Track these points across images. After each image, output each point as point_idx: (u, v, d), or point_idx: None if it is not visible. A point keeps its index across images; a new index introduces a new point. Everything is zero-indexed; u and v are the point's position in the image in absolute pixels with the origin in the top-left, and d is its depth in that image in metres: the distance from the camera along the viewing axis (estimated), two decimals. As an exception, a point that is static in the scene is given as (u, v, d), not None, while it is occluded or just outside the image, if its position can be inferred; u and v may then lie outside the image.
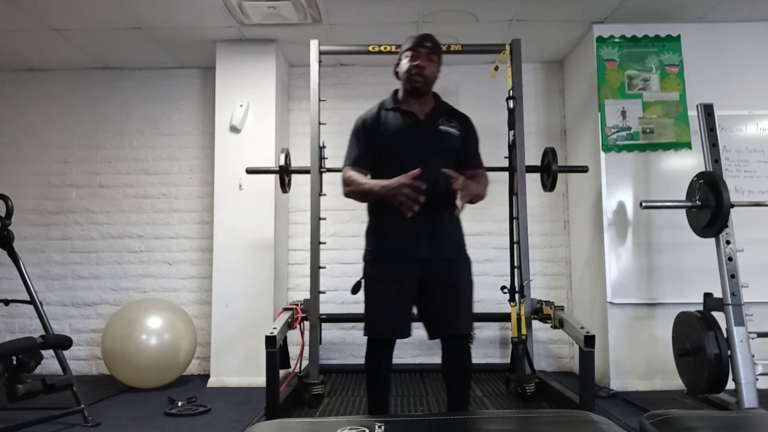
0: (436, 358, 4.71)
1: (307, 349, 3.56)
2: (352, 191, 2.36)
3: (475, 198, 2.31)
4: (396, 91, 2.49)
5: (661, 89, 3.86)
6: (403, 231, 2.28)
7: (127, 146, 4.60)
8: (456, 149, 2.41)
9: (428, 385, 3.86)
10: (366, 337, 2.46)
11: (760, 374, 3.00)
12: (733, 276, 3.11)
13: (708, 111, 3.34)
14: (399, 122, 2.39)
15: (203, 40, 4.14)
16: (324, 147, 3.67)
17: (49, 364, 3.81)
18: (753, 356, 2.99)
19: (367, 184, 2.32)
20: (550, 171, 3.66)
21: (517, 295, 3.54)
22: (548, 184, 3.72)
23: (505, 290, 3.59)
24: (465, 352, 2.41)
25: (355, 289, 2.42)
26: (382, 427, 1.24)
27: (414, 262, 2.29)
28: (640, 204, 3.35)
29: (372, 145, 2.38)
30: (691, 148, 3.79)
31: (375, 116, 2.44)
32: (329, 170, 3.71)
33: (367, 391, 2.54)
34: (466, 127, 2.47)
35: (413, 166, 2.17)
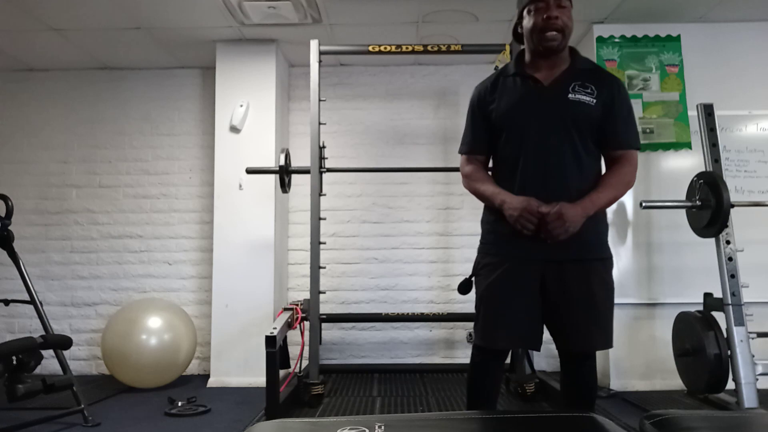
0: (437, 358, 4.71)
1: (307, 349, 3.56)
2: (471, 190, 2.06)
3: (606, 205, 1.93)
4: (521, 52, 2.04)
5: (661, 89, 3.86)
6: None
7: (127, 146, 4.60)
8: (592, 122, 1.92)
9: (428, 385, 3.86)
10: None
11: (760, 374, 3.00)
12: (733, 276, 3.11)
13: (708, 111, 3.34)
14: (518, 92, 1.96)
15: (203, 40, 4.14)
16: (324, 147, 3.67)
17: (49, 364, 3.80)
18: (753, 356, 2.99)
19: (485, 189, 2.00)
20: (550, 171, 3.65)
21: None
22: (548, 184, 3.71)
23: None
24: (591, 370, 2.03)
25: (464, 288, 2.08)
26: (382, 427, 1.24)
27: (535, 264, 1.93)
28: (640, 204, 3.34)
29: (485, 124, 2.02)
30: (691, 148, 3.79)
31: (490, 87, 2.03)
32: (329, 170, 3.71)
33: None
34: (610, 90, 1.95)
35: (531, 149, 1.89)
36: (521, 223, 1.85)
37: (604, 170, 2.04)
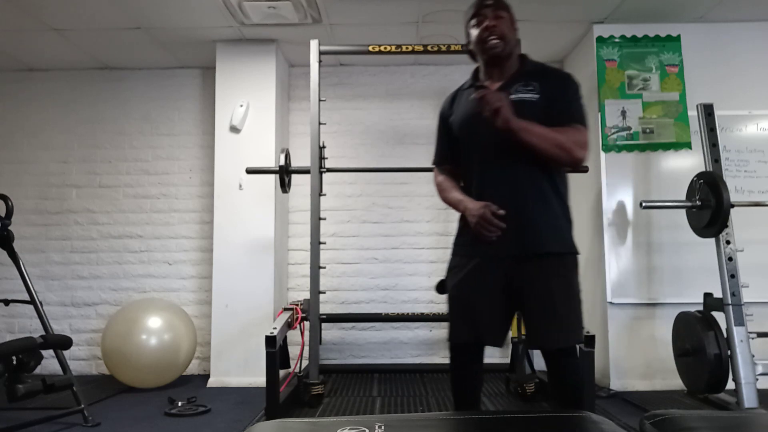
0: (437, 358, 4.71)
1: (307, 349, 3.56)
2: (443, 199, 2.15)
3: (538, 138, 1.89)
4: (478, 67, 2.15)
5: (661, 89, 3.86)
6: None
7: (127, 146, 4.60)
8: (538, 117, 1.93)
9: (428, 385, 3.86)
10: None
11: (760, 374, 3.00)
12: (733, 276, 3.11)
13: (708, 111, 3.34)
14: (470, 103, 2.03)
15: (203, 40, 4.14)
16: (324, 147, 3.67)
17: (49, 364, 3.80)
18: (753, 356, 2.99)
19: (453, 197, 2.09)
20: (550, 171, 3.65)
21: (517, 295, 3.53)
22: (548, 184, 3.71)
23: (506, 290, 3.58)
24: (571, 368, 1.99)
25: (440, 288, 2.13)
26: (382, 427, 1.24)
27: (499, 262, 1.96)
28: (640, 204, 3.35)
29: (449, 136, 2.14)
30: (691, 148, 3.79)
31: (450, 100, 2.17)
32: (329, 170, 3.71)
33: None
34: (555, 85, 2.01)
35: (481, 154, 1.98)
36: (479, 229, 1.93)
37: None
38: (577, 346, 2.02)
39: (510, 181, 1.96)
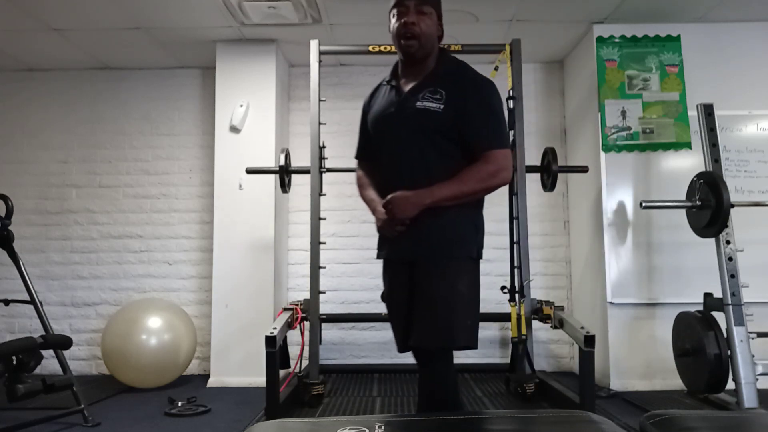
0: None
1: (307, 349, 3.56)
2: (360, 195, 2.13)
3: (449, 198, 1.87)
4: (397, 63, 2.06)
5: (661, 89, 3.86)
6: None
7: (127, 146, 4.60)
8: (441, 128, 1.89)
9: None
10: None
11: (760, 374, 3.00)
12: (733, 276, 3.11)
13: (708, 111, 3.34)
14: (385, 101, 2.01)
15: (203, 40, 4.14)
16: (324, 147, 3.67)
17: (49, 364, 3.81)
18: (753, 356, 2.99)
19: (366, 195, 2.08)
20: (550, 171, 3.66)
21: (517, 295, 3.54)
22: (548, 184, 3.72)
23: (505, 290, 3.59)
24: (428, 372, 1.94)
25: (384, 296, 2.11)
26: (382, 427, 1.24)
27: (403, 266, 1.97)
28: (640, 204, 3.35)
29: (367, 131, 2.11)
30: (691, 148, 3.79)
31: (370, 95, 2.15)
32: (329, 170, 3.71)
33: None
34: (462, 94, 1.90)
35: (389, 157, 1.96)
36: (381, 232, 1.98)
37: None
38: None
39: (408, 187, 1.89)
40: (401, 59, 2.01)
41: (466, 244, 1.94)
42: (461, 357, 4.37)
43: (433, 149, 1.89)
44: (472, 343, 1.91)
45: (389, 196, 1.88)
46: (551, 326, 3.43)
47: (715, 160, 3.27)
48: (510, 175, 1.94)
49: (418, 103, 1.90)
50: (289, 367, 3.49)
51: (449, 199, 1.87)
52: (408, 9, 1.91)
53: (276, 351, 2.91)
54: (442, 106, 1.88)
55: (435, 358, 1.90)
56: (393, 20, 1.95)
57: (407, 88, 1.96)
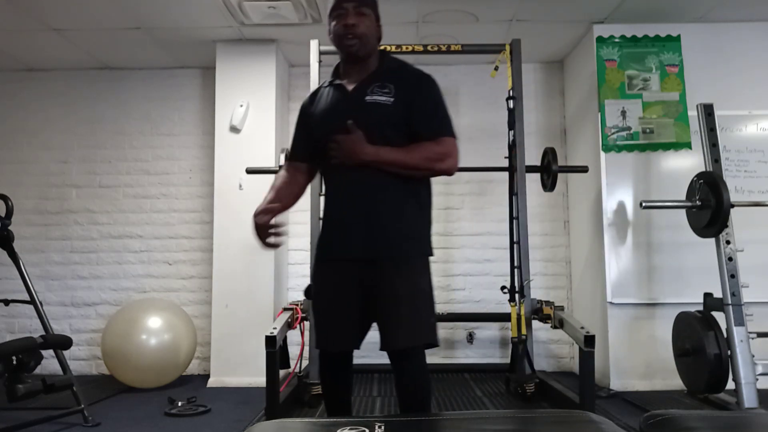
0: (436, 359, 4.70)
1: (307, 349, 3.56)
2: None
3: (390, 162, 1.89)
4: (338, 64, 2.10)
5: (661, 89, 3.86)
6: (334, 227, 2.00)
7: (127, 146, 4.60)
8: (392, 121, 1.92)
9: (428, 385, 3.85)
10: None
11: (760, 374, 3.00)
12: (733, 276, 3.11)
13: (708, 111, 3.34)
14: (329, 101, 2.02)
15: (203, 40, 4.14)
16: (324, 147, 3.67)
17: (49, 364, 3.80)
18: (753, 356, 2.99)
19: (266, 196, 2.12)
20: (550, 171, 3.66)
21: (517, 295, 3.54)
22: (548, 184, 3.72)
23: (505, 290, 3.59)
24: (409, 371, 1.96)
25: (307, 292, 2.14)
26: (382, 427, 1.24)
27: (351, 265, 1.93)
28: (640, 204, 3.35)
29: (306, 133, 2.09)
30: (691, 148, 3.79)
31: (311, 97, 2.12)
32: (329, 170, 3.71)
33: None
34: (410, 88, 1.96)
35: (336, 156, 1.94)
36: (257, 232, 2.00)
37: None
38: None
39: (362, 184, 1.92)
40: (343, 60, 2.05)
41: (424, 240, 2.00)
42: (461, 357, 4.39)
43: (383, 142, 1.91)
44: (438, 341, 1.98)
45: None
46: (551, 326, 3.43)
47: (715, 160, 3.27)
48: (456, 165, 1.96)
49: (368, 97, 1.93)
50: (289, 367, 3.49)
51: (390, 164, 1.89)
52: (347, 11, 1.96)
53: (276, 351, 2.90)
54: (392, 99, 1.93)
55: (413, 355, 1.94)
56: (333, 23, 2.00)
57: (351, 87, 1.99)
